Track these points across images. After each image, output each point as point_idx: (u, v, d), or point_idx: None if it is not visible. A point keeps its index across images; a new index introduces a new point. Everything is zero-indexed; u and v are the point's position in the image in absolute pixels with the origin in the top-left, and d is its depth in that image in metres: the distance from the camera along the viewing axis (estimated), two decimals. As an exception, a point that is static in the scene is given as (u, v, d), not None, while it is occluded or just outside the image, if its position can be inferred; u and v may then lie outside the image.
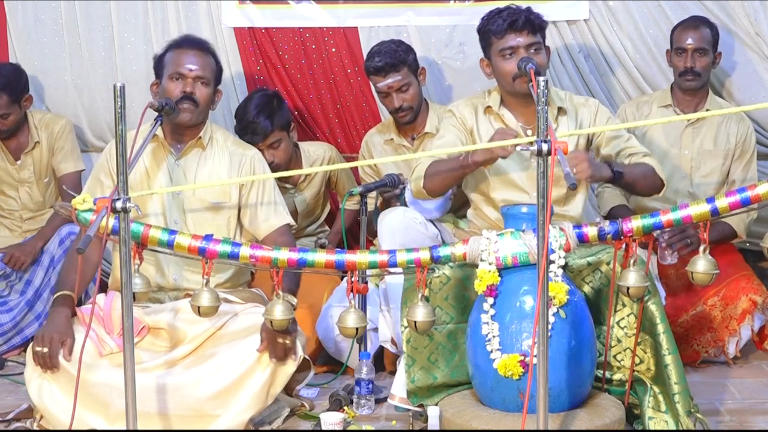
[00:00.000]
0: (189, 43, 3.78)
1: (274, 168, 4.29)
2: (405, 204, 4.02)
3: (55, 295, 3.53)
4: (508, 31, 3.60)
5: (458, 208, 4.13)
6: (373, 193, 4.19)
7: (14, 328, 4.50)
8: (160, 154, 3.73)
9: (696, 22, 4.47)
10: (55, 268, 4.49)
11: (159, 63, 3.78)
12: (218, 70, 3.79)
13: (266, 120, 4.39)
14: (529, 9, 3.65)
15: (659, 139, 4.49)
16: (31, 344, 3.45)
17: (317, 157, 4.69)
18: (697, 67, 4.39)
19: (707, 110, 4.42)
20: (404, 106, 4.42)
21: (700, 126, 4.48)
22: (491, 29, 3.64)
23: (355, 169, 4.81)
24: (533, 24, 3.62)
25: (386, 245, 3.66)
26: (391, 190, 4.19)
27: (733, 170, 4.48)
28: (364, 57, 4.86)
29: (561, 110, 3.73)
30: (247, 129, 4.40)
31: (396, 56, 4.39)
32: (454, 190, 3.96)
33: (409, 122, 4.50)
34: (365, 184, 4.15)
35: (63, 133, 4.75)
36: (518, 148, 2.97)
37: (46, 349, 3.36)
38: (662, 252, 4.17)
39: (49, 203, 4.78)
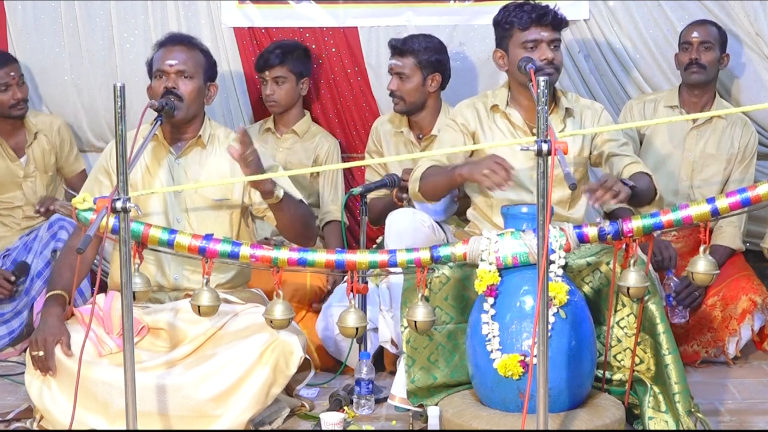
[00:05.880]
0: (173, 40, 3.75)
1: (271, 104, 4.72)
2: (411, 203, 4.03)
3: (48, 295, 3.55)
4: (534, 24, 3.63)
5: (464, 211, 4.12)
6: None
7: (17, 316, 4.52)
8: (161, 153, 3.72)
9: (702, 20, 4.53)
10: (42, 253, 4.49)
11: (150, 65, 3.77)
12: (208, 64, 3.75)
13: (280, 54, 4.66)
14: (550, 7, 3.68)
15: (663, 139, 4.49)
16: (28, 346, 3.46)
17: (318, 144, 4.79)
18: (702, 59, 4.39)
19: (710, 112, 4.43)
20: (396, 93, 4.44)
21: (705, 129, 4.48)
22: (515, 20, 3.65)
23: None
24: (559, 21, 3.66)
25: (393, 246, 3.65)
26: (391, 190, 4.19)
27: (732, 172, 4.48)
28: (364, 57, 4.88)
29: (568, 111, 3.74)
30: (261, 56, 4.70)
31: (409, 45, 4.38)
32: (459, 192, 3.96)
33: (402, 112, 4.50)
34: (365, 184, 4.15)
35: (63, 133, 4.84)
36: (519, 148, 2.97)
37: (41, 353, 3.37)
38: (672, 311, 4.19)
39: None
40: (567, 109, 3.74)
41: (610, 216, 4.30)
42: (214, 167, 3.71)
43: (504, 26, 3.70)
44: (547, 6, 3.67)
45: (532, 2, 3.74)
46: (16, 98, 4.66)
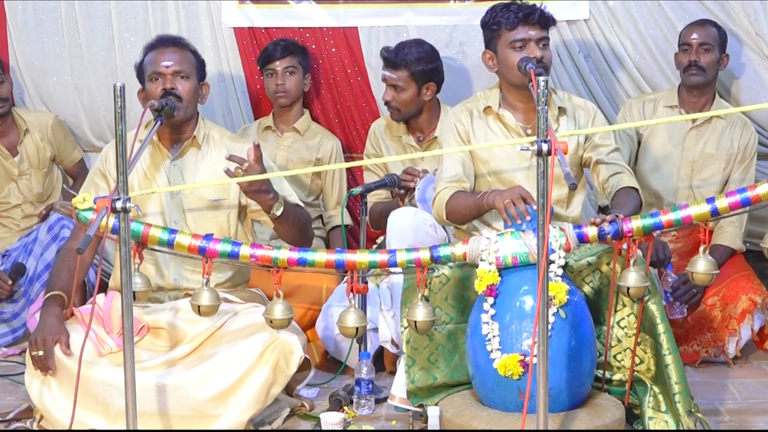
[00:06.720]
0: (163, 42, 3.76)
1: (281, 95, 4.70)
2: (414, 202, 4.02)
3: (46, 296, 3.55)
4: (521, 24, 3.62)
5: None
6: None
7: (15, 317, 4.52)
8: (157, 156, 3.72)
9: (702, 21, 4.51)
10: (42, 255, 4.49)
11: (140, 69, 3.77)
12: (199, 63, 3.76)
13: (288, 45, 4.73)
14: (537, 5, 3.68)
15: (662, 139, 4.49)
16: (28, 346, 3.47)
17: (320, 143, 4.79)
18: (701, 61, 4.39)
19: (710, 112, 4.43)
20: (391, 104, 4.42)
21: (705, 129, 4.48)
22: (502, 20, 3.64)
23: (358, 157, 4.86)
24: (546, 19, 3.65)
25: (394, 246, 3.65)
26: (391, 190, 4.18)
27: (732, 172, 4.48)
28: (364, 57, 4.88)
29: (561, 110, 3.74)
30: (266, 50, 4.74)
31: (402, 58, 4.35)
32: None
33: (399, 120, 4.48)
34: (365, 184, 4.15)
35: (57, 129, 4.87)
36: (518, 148, 2.97)
37: (41, 352, 3.38)
38: (670, 307, 4.19)
39: (47, 193, 4.88)
40: (560, 108, 3.73)
41: (604, 211, 4.30)
42: (210, 168, 3.70)
43: (492, 27, 3.69)
44: (534, 5, 3.67)
45: (518, 2, 3.73)
46: None
